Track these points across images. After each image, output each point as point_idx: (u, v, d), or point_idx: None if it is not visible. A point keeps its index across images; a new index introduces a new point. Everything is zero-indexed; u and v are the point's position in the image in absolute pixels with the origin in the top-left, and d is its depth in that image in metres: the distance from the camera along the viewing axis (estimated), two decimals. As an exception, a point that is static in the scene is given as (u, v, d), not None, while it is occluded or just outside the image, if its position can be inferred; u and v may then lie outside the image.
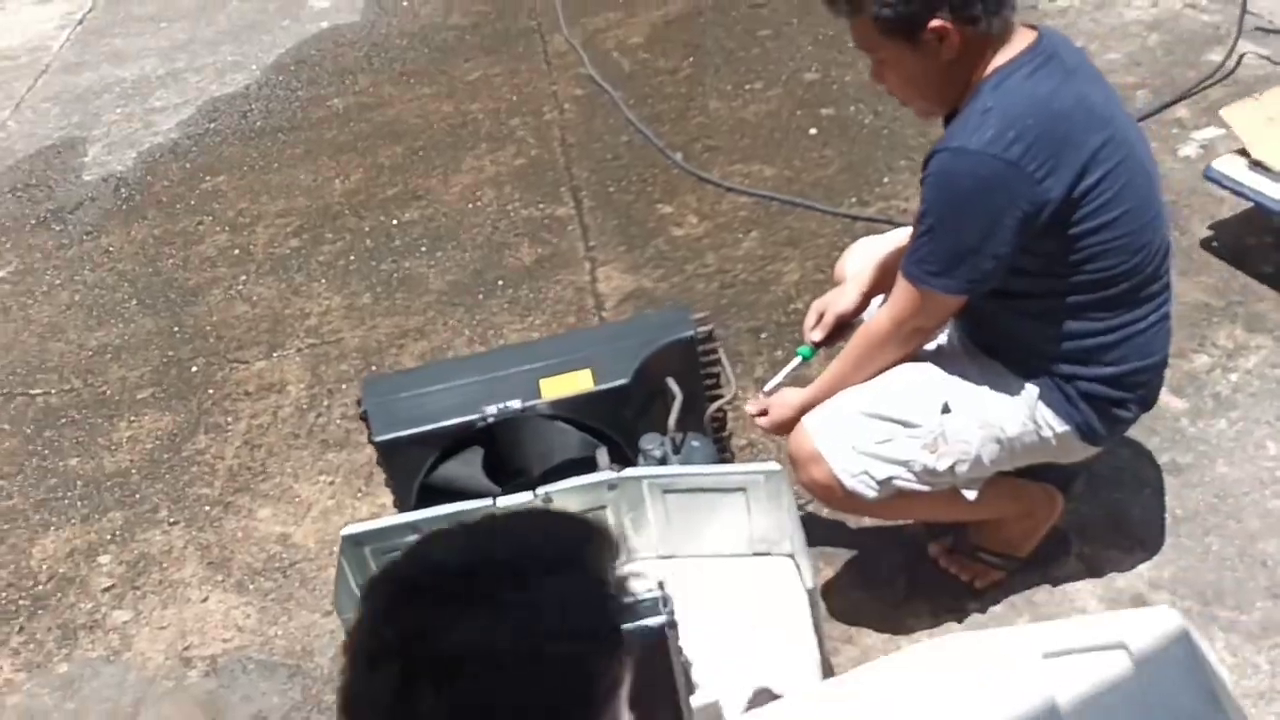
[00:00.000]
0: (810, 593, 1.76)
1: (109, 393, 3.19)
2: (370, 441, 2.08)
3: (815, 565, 1.92)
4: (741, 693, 1.85)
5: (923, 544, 2.24)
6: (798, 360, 2.18)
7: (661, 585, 1.69)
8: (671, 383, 2.09)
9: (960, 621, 2.11)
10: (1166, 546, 2.17)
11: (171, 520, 2.69)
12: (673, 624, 1.64)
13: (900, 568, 2.24)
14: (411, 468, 2.09)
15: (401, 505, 2.13)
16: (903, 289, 1.84)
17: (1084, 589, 2.12)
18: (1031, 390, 1.90)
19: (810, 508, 2.38)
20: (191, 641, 2.36)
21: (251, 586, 2.47)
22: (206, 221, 3.98)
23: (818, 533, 2.34)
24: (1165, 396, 2.47)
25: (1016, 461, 1.98)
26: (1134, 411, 1.93)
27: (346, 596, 1.84)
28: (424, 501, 2.03)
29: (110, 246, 3.94)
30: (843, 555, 2.29)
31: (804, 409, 2.00)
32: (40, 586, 2.57)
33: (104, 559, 2.62)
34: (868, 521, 2.32)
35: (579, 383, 2.07)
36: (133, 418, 3.07)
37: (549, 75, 4.67)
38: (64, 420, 3.10)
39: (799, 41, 4.58)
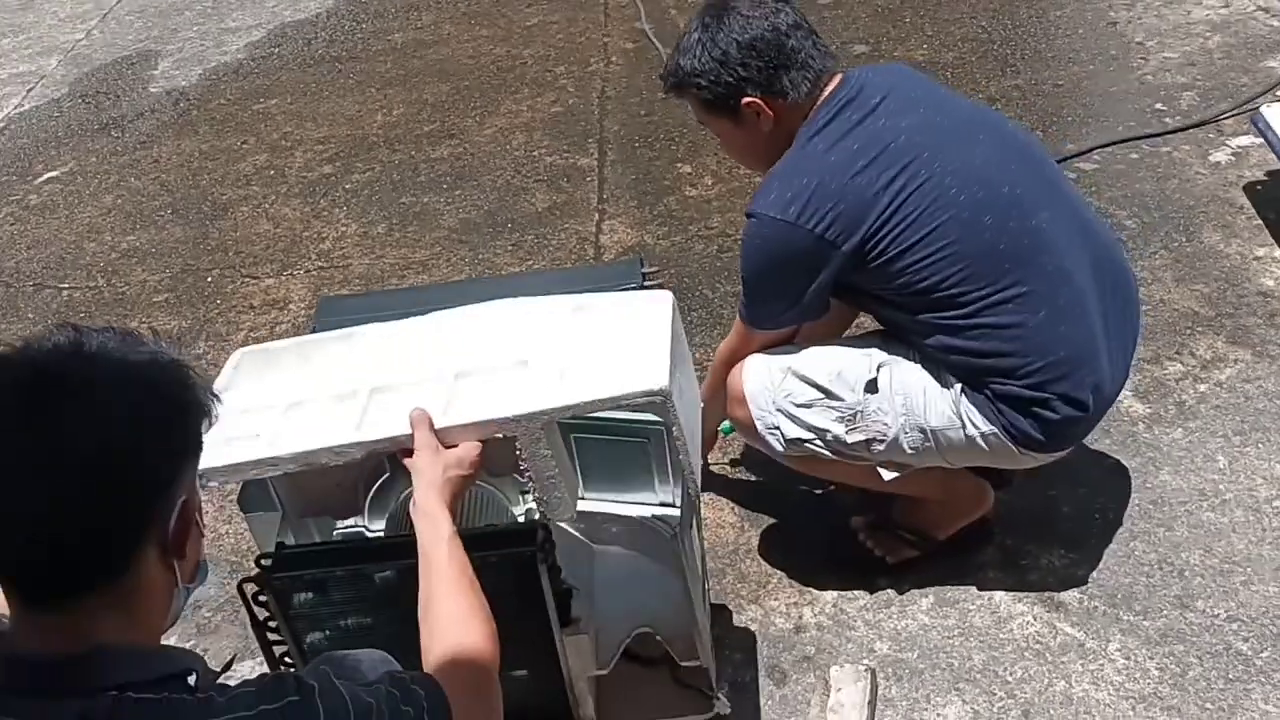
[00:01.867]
0: (673, 539, 1.77)
1: (128, 293, 3.36)
2: (313, 357, 2.17)
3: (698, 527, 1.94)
4: (619, 632, 1.91)
5: (846, 515, 2.25)
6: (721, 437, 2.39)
7: (546, 523, 1.76)
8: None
9: (869, 593, 2.12)
10: (1089, 546, 2.15)
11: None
12: (545, 554, 1.71)
13: (819, 536, 2.26)
14: (351, 388, 2.17)
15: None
16: (736, 324, 2.06)
17: (996, 578, 2.12)
18: (956, 386, 1.90)
19: (743, 470, 2.43)
20: (151, 530, 2.50)
21: (213, 484, 2.59)
22: (250, 142, 4.13)
23: (748, 494, 2.37)
24: (1128, 400, 2.45)
25: (953, 459, 1.97)
26: (1062, 411, 1.87)
27: (252, 496, 1.94)
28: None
29: (159, 157, 4.12)
30: (767, 519, 2.32)
31: None
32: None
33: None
34: (799, 488, 2.35)
35: (518, 322, 2.12)
36: (144, 319, 3.23)
37: (604, 27, 4.70)
38: (82, 315, 3.28)
39: (857, 13, 4.54)
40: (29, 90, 4.83)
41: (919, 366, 1.93)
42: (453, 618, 1.38)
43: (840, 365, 1.96)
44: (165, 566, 1.07)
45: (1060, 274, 1.84)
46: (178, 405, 1.07)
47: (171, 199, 3.83)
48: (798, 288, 1.90)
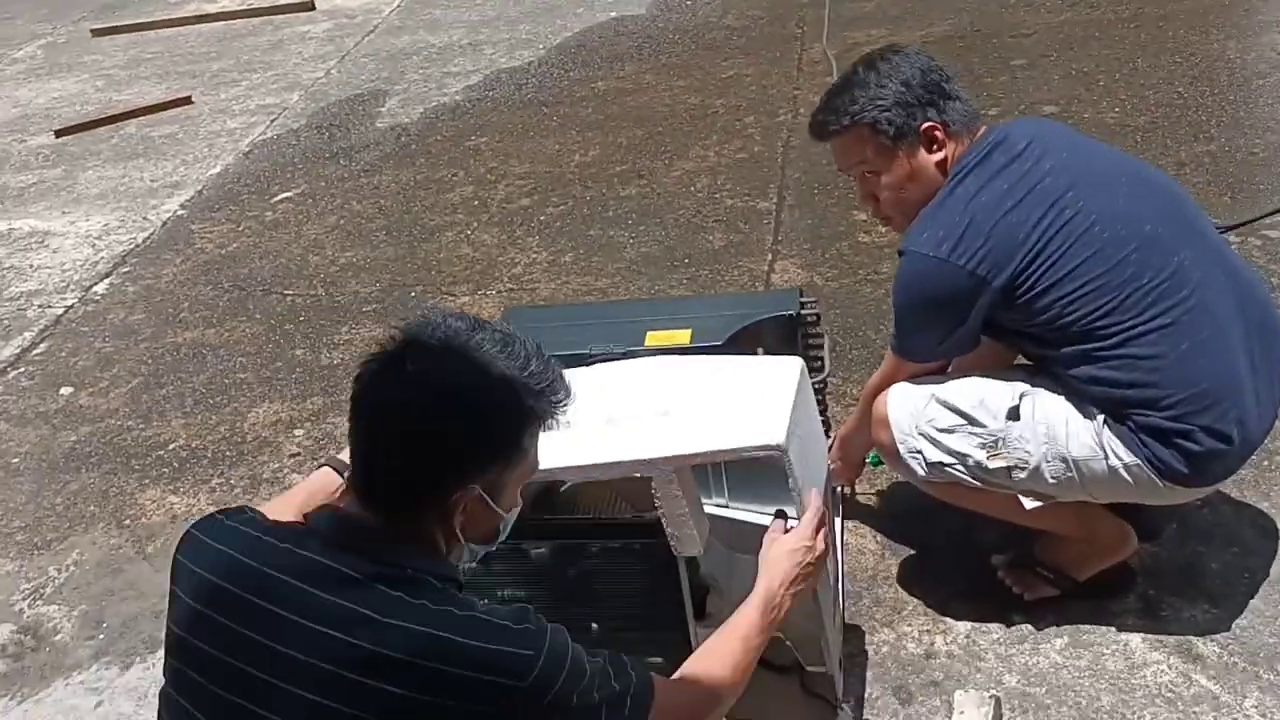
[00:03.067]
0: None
1: (342, 302, 3.71)
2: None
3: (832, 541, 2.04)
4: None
5: (987, 551, 2.30)
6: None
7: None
8: (760, 351, 2.28)
9: (1004, 627, 2.16)
10: (1234, 604, 2.13)
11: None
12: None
13: (958, 569, 2.31)
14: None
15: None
16: (887, 355, 2.16)
17: (1134, 625, 2.12)
18: (1099, 417, 1.94)
19: (888, 502, 2.50)
20: (343, 509, 2.78)
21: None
22: (460, 174, 4.49)
23: (890, 525, 2.45)
24: (1296, 465, 2.40)
25: (1097, 492, 2.01)
26: (1205, 443, 1.88)
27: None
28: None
29: (379, 184, 4.52)
30: (907, 549, 2.38)
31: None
32: (245, 444, 3.08)
33: (298, 433, 3.10)
34: (941, 523, 2.41)
35: (677, 339, 2.29)
36: (354, 325, 3.57)
37: (795, 80, 4.88)
38: (302, 318, 3.65)
39: (1050, 74, 4.56)
40: (272, 120, 5.38)
41: (1062, 397, 1.98)
42: (715, 653, 1.55)
43: (983, 393, 2.03)
44: (445, 527, 1.30)
45: (1202, 308, 1.88)
46: (489, 408, 1.28)
47: (387, 222, 4.21)
48: (949, 323, 1.99)
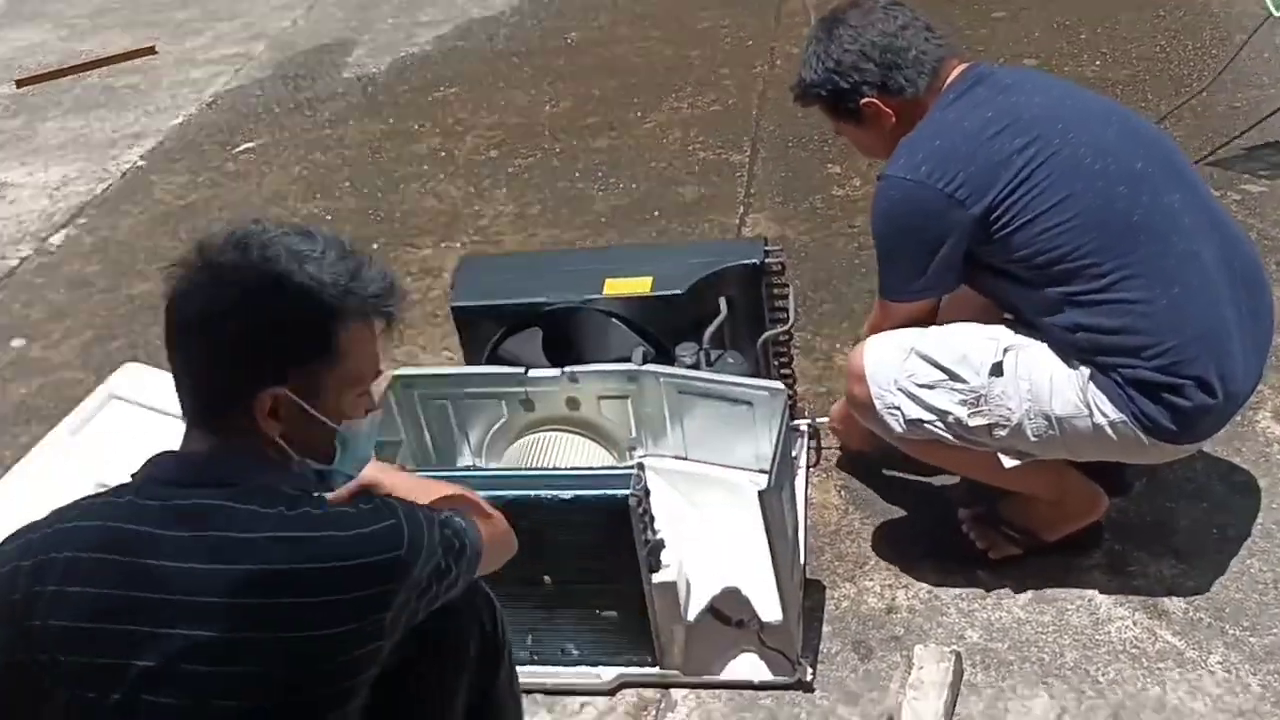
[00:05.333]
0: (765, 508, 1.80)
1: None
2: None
3: (792, 495, 1.98)
4: (708, 586, 1.97)
5: (953, 507, 2.25)
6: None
7: (640, 466, 1.84)
8: (722, 301, 2.21)
9: (966, 583, 2.12)
10: (1202, 560, 2.09)
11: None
12: (639, 499, 1.79)
13: (923, 525, 2.26)
14: (482, 338, 2.31)
15: (470, 369, 2.36)
16: (875, 302, 2.08)
17: (1100, 581, 2.08)
18: (1084, 371, 1.87)
19: (854, 456, 2.44)
20: (297, 463, 2.71)
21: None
22: (427, 126, 4.38)
23: (856, 479, 2.40)
24: (1266, 420, 2.37)
25: (1080, 450, 1.94)
26: (1194, 398, 1.81)
27: (381, 425, 2.09)
28: (488, 369, 2.25)
29: (344, 136, 4.42)
30: (874, 502, 2.33)
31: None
32: (199, 397, 3.00)
33: (254, 385, 3.02)
34: (907, 476, 2.36)
35: (638, 286, 2.22)
36: (314, 278, 3.47)
37: (772, 32, 4.78)
38: (260, 270, 3.56)
39: (1030, 27, 4.48)
40: (237, 70, 5.25)
41: (1047, 351, 1.90)
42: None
43: (965, 347, 1.95)
44: (266, 437, 1.25)
45: (1191, 255, 1.82)
46: (276, 302, 1.24)
47: (351, 173, 4.11)
48: (927, 252, 1.90)
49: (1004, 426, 1.91)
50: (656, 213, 3.54)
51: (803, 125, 3.85)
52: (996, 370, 1.91)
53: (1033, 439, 1.92)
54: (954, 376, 1.93)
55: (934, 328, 2.01)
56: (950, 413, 1.94)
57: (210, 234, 1.28)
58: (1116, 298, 1.80)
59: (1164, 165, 1.89)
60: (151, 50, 5.60)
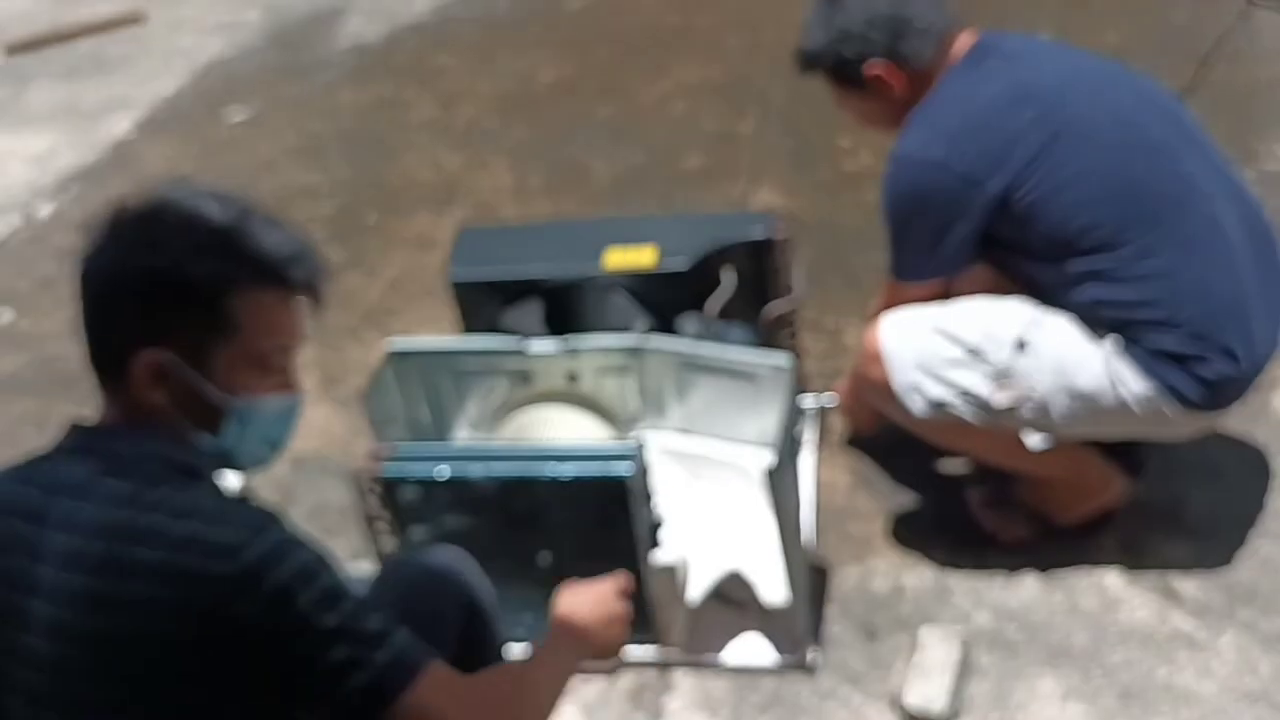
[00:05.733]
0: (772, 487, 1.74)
1: (296, 225, 3.54)
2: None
3: (797, 474, 1.92)
4: (710, 568, 1.92)
5: (961, 488, 2.20)
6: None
7: (641, 443, 1.79)
8: (725, 273, 2.15)
9: (975, 565, 2.07)
10: (1215, 542, 2.04)
11: (308, 338, 3.00)
12: (639, 477, 1.74)
13: (931, 506, 2.21)
14: (482, 312, 2.25)
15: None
16: (885, 282, 2.02)
17: (1111, 563, 2.03)
18: (1108, 345, 1.81)
19: (863, 438, 2.38)
20: (290, 437, 2.66)
21: (354, 405, 2.72)
22: (424, 94, 4.30)
23: (864, 460, 2.35)
24: (1284, 399, 2.31)
25: (1103, 425, 1.88)
26: (1220, 368, 1.75)
27: (378, 401, 2.04)
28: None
29: (338, 104, 4.33)
30: (882, 482, 2.29)
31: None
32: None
33: (247, 358, 2.96)
34: (916, 459, 2.30)
35: (641, 259, 2.16)
36: (308, 249, 3.41)
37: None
38: (254, 241, 3.49)
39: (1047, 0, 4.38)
40: (230, 38, 5.15)
41: (1071, 325, 1.84)
42: (519, 676, 1.36)
43: (989, 322, 1.88)
44: (149, 400, 1.20)
45: (1211, 221, 1.76)
46: (159, 263, 1.19)
47: (346, 143, 4.03)
48: (941, 233, 1.85)
49: (1029, 404, 1.85)
50: (660, 184, 3.47)
51: (811, 95, 3.72)
52: (1021, 346, 1.85)
53: (1058, 415, 1.85)
54: (977, 353, 1.86)
55: (954, 304, 1.95)
56: (974, 391, 1.87)
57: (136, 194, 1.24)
58: (1139, 271, 1.74)
59: (1180, 132, 1.84)
60: (142, 16, 5.50)
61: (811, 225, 3.15)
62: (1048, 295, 1.87)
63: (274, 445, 1.32)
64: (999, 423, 1.89)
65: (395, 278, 3.23)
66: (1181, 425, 1.86)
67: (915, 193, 1.86)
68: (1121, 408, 1.82)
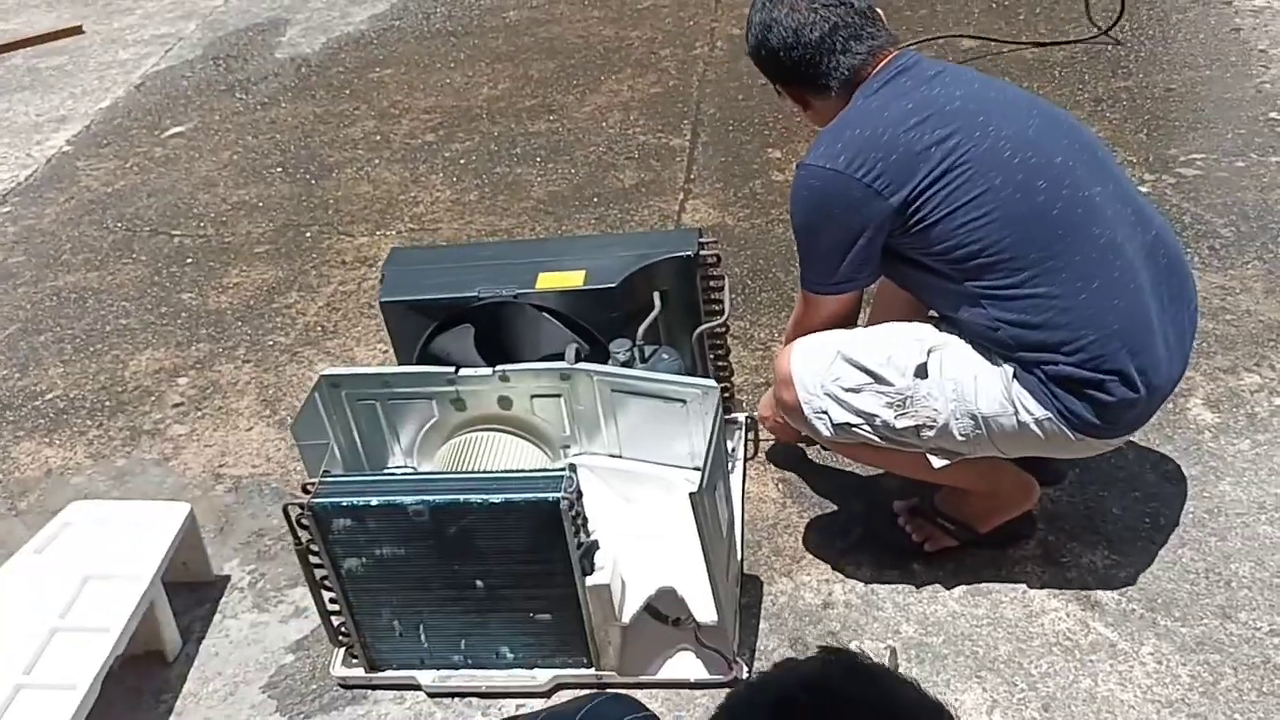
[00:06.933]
0: (697, 510, 1.77)
1: (233, 242, 3.53)
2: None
3: (727, 491, 1.96)
4: (643, 586, 1.95)
5: (889, 498, 2.25)
6: None
7: (572, 467, 1.81)
8: (656, 296, 2.18)
9: (902, 577, 2.12)
10: (1134, 550, 2.10)
11: (245, 359, 2.99)
12: (571, 502, 1.76)
13: (859, 517, 2.25)
14: (412, 334, 2.26)
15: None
16: (798, 296, 2.04)
17: (1033, 573, 2.09)
18: (1008, 369, 1.87)
19: (790, 450, 2.43)
20: (227, 461, 2.65)
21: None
22: (362, 108, 4.29)
23: (792, 473, 2.39)
24: (1197, 407, 2.39)
25: (1006, 448, 1.93)
26: (1117, 392, 1.81)
27: (306, 427, 2.05)
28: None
29: (276, 118, 4.31)
30: (811, 495, 2.33)
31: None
32: (125, 393, 2.92)
33: (181, 381, 2.94)
34: (843, 470, 2.35)
35: (570, 280, 2.18)
36: (244, 267, 3.39)
37: (713, 12, 4.74)
38: (189, 260, 3.47)
39: (971, 7, 4.47)
40: (166, 51, 5.11)
41: (971, 351, 1.90)
42: None
43: (890, 349, 1.94)
44: None
45: (1113, 247, 1.80)
46: None
47: (283, 158, 4.01)
48: (845, 243, 1.88)
49: (931, 427, 1.90)
50: (595, 199, 3.50)
51: (744, 109, 3.83)
52: (921, 371, 1.90)
53: (960, 438, 1.91)
54: (879, 379, 1.91)
55: (860, 330, 2.00)
56: (877, 415, 1.92)
57: None
58: (1035, 293, 1.79)
59: (1086, 158, 1.88)
60: (79, 30, 5.43)
61: (744, 238, 3.20)
62: (950, 315, 1.93)
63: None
64: (903, 443, 1.94)
65: (333, 295, 3.22)
66: (1084, 447, 1.91)
67: (818, 202, 1.88)
68: (1023, 430, 1.87)
